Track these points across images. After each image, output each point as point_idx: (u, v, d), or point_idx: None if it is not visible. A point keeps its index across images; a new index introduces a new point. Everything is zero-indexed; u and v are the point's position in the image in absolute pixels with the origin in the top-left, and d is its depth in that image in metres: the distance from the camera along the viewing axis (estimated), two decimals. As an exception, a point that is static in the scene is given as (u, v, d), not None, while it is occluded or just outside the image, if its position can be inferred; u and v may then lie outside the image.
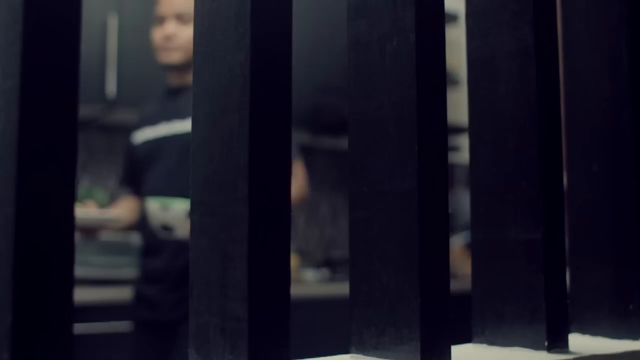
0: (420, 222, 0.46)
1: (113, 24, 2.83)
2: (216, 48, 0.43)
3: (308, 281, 2.97)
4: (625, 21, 0.64)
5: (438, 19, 0.48)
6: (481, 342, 0.56)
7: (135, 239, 2.92)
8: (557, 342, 0.53)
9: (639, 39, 0.64)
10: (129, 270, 2.86)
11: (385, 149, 0.49)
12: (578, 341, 0.60)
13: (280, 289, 0.41)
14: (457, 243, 3.26)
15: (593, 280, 0.64)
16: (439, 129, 0.48)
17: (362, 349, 0.50)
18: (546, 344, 0.52)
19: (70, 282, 0.34)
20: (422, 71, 0.47)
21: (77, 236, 2.01)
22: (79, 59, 0.34)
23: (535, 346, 0.53)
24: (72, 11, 0.34)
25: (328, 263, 3.23)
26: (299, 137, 3.30)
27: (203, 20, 0.45)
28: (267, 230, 0.41)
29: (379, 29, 0.50)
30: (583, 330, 0.64)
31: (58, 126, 0.34)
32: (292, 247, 3.17)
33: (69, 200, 0.34)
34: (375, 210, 0.49)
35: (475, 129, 0.58)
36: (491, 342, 0.56)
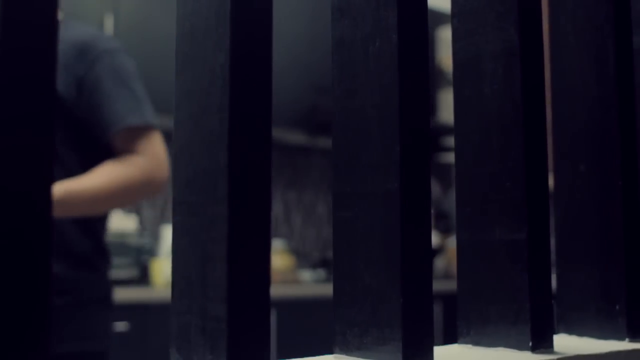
0: (403, 222, 0.46)
1: (109, 24, 2.83)
2: (197, 49, 0.43)
3: (304, 281, 2.96)
4: (612, 22, 0.64)
5: (420, 19, 0.48)
6: (466, 342, 0.57)
7: (132, 238, 2.93)
8: (542, 343, 0.53)
9: (626, 40, 0.64)
10: (127, 271, 2.86)
11: (368, 150, 0.49)
12: (564, 341, 0.60)
13: (260, 289, 0.41)
14: (454, 243, 3.26)
15: (579, 281, 0.64)
16: (421, 130, 0.48)
17: (345, 350, 0.50)
18: (530, 344, 0.53)
19: (47, 282, 0.34)
20: (404, 72, 0.47)
21: None
22: (55, 60, 0.34)
23: (520, 346, 0.53)
24: (48, 16, 0.34)
25: (324, 263, 3.23)
26: (295, 137, 3.30)
27: (184, 21, 0.45)
28: (247, 230, 0.41)
29: (362, 30, 0.50)
30: (569, 331, 0.64)
31: (34, 126, 0.34)
32: (289, 247, 3.17)
33: (46, 199, 0.34)
34: (358, 210, 0.49)
35: (460, 129, 0.58)
36: (476, 343, 0.56)
